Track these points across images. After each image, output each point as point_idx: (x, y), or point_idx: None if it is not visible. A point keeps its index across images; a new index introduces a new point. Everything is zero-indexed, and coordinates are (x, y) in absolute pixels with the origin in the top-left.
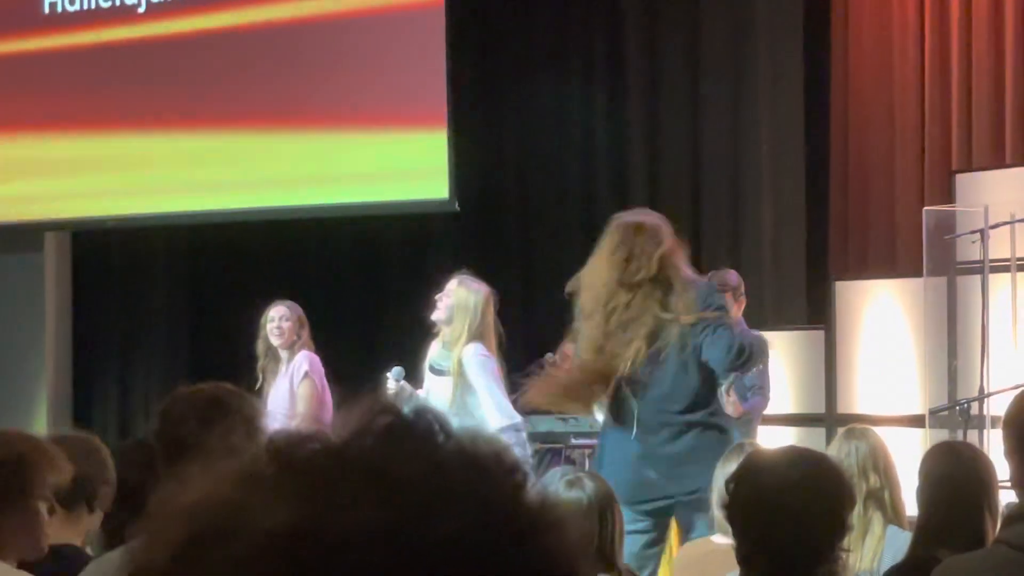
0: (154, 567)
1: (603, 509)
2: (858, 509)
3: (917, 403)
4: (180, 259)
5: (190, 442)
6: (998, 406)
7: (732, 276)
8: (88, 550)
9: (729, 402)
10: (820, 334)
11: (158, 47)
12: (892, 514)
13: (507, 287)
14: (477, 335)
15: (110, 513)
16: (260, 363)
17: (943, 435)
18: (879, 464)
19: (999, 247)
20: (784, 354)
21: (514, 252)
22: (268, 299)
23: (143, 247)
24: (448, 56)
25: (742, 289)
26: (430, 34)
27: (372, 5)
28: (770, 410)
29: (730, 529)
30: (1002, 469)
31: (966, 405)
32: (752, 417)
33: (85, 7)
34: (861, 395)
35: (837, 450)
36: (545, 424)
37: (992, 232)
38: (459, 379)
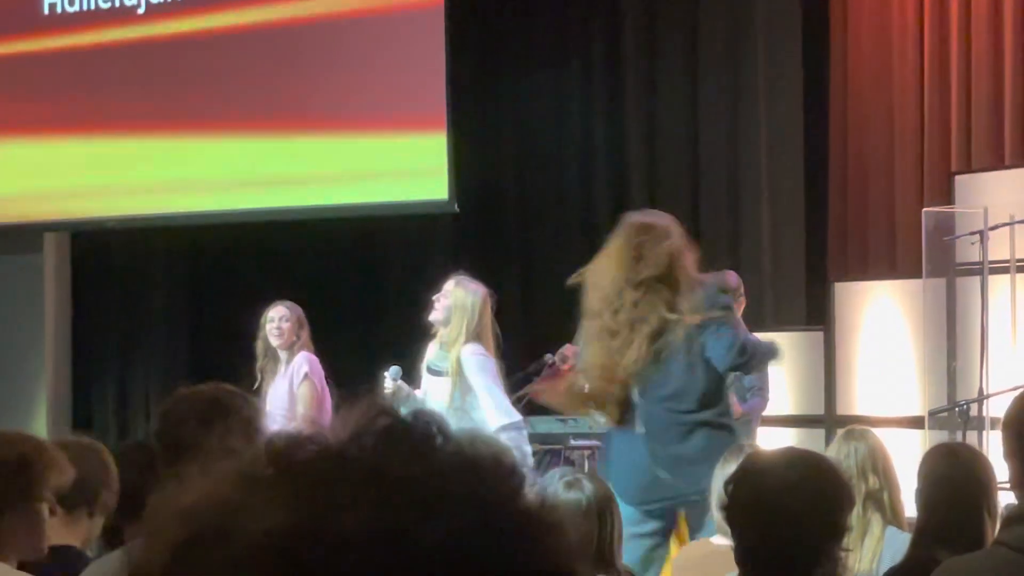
0: (154, 567)
1: (602, 510)
2: (857, 510)
3: (916, 404)
4: (179, 260)
5: (190, 443)
6: (997, 407)
7: (731, 277)
8: (88, 552)
9: None
10: (819, 335)
11: (157, 48)
12: (891, 515)
13: (506, 288)
14: (475, 335)
15: (110, 514)
16: (259, 363)
17: (942, 436)
18: (878, 465)
19: (998, 248)
20: (784, 356)
21: (513, 253)
22: (267, 300)
23: (142, 248)
24: (447, 57)
25: (741, 290)
26: (429, 35)
27: (372, 6)
28: (769, 411)
29: (729, 530)
30: (1001, 470)
31: (965, 406)
32: (751, 418)
33: (85, 8)
34: (860, 396)
35: (836, 451)
36: (544, 425)
37: (991, 233)
38: (457, 379)
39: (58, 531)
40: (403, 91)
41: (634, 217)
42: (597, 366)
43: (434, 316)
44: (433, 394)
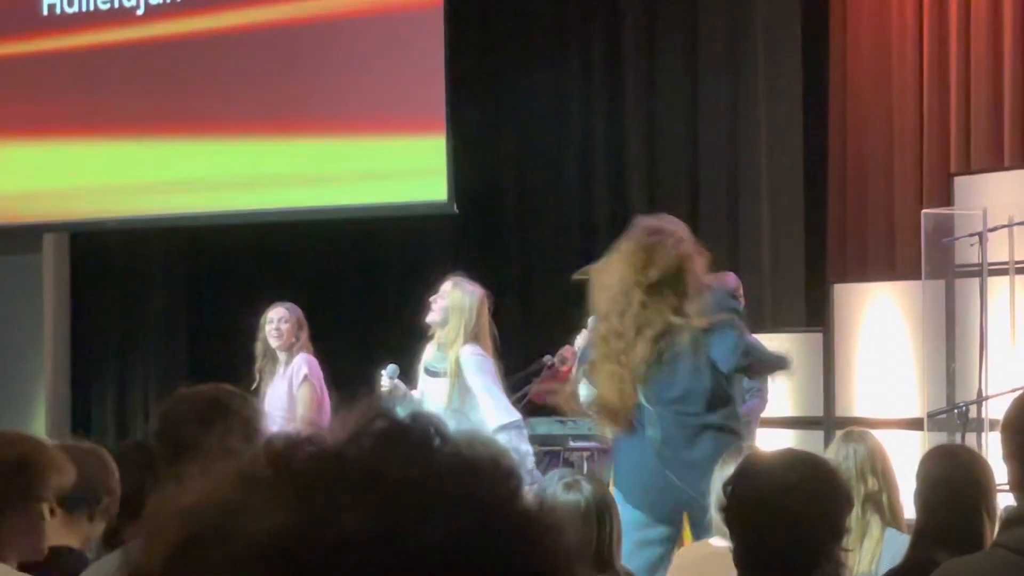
0: (152, 568)
1: (601, 512)
2: (856, 512)
3: (915, 406)
4: (178, 260)
5: (190, 443)
6: (996, 409)
7: (730, 279)
8: (87, 554)
9: None
10: (819, 337)
11: (156, 49)
12: (890, 517)
13: (505, 289)
14: (472, 336)
15: (111, 518)
16: (258, 364)
17: (941, 438)
18: (877, 467)
19: (997, 250)
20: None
21: (513, 254)
22: (266, 300)
23: (141, 248)
24: (446, 57)
25: (740, 292)
26: (428, 35)
27: (370, 7)
28: (768, 413)
29: (728, 532)
30: (1000, 472)
31: (964, 408)
32: (750, 419)
33: (84, 9)
34: (859, 398)
35: (835, 453)
36: (543, 426)
37: (991, 235)
38: (456, 380)
39: (58, 532)
40: (402, 92)
41: (645, 220)
42: (606, 378)
43: (431, 317)
44: (431, 395)
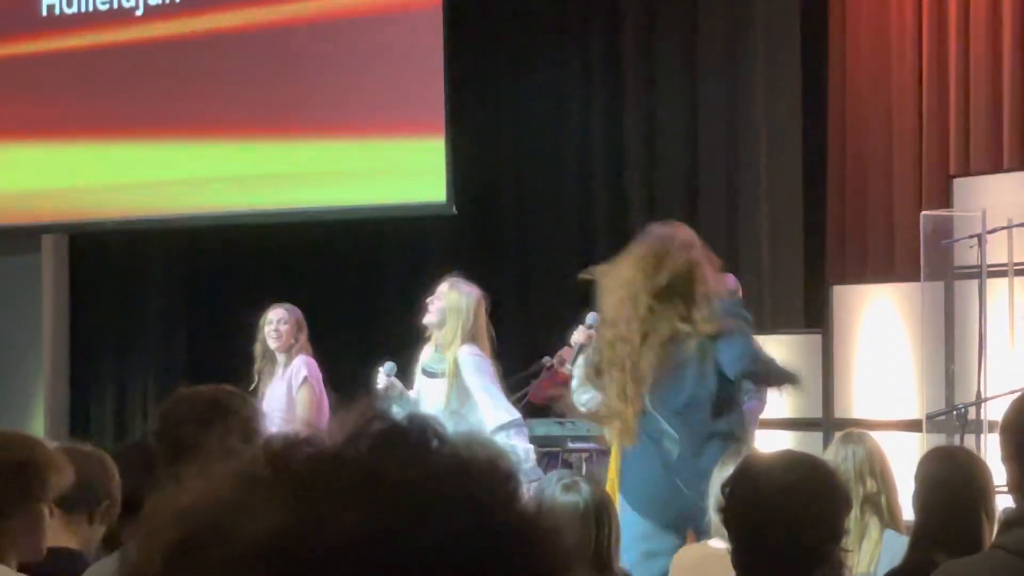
0: (150, 568)
1: (600, 513)
2: (855, 513)
3: (914, 408)
4: (177, 261)
5: (190, 443)
6: (995, 411)
7: (730, 280)
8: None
9: None
10: (817, 338)
11: (155, 49)
12: (889, 518)
13: (504, 289)
14: (470, 337)
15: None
16: (257, 365)
17: (940, 440)
18: (876, 468)
19: (997, 252)
20: (782, 359)
21: (511, 254)
22: (265, 301)
23: (140, 249)
24: (445, 58)
25: (739, 293)
26: (427, 36)
27: (369, 6)
28: (767, 414)
29: (727, 533)
30: (999, 474)
31: (963, 410)
32: (749, 421)
33: (83, 9)
34: (858, 399)
35: (834, 454)
36: (542, 427)
37: (990, 237)
38: (454, 380)
39: (57, 533)
40: (401, 92)
41: (656, 227)
42: (612, 385)
43: (429, 319)
44: (428, 396)
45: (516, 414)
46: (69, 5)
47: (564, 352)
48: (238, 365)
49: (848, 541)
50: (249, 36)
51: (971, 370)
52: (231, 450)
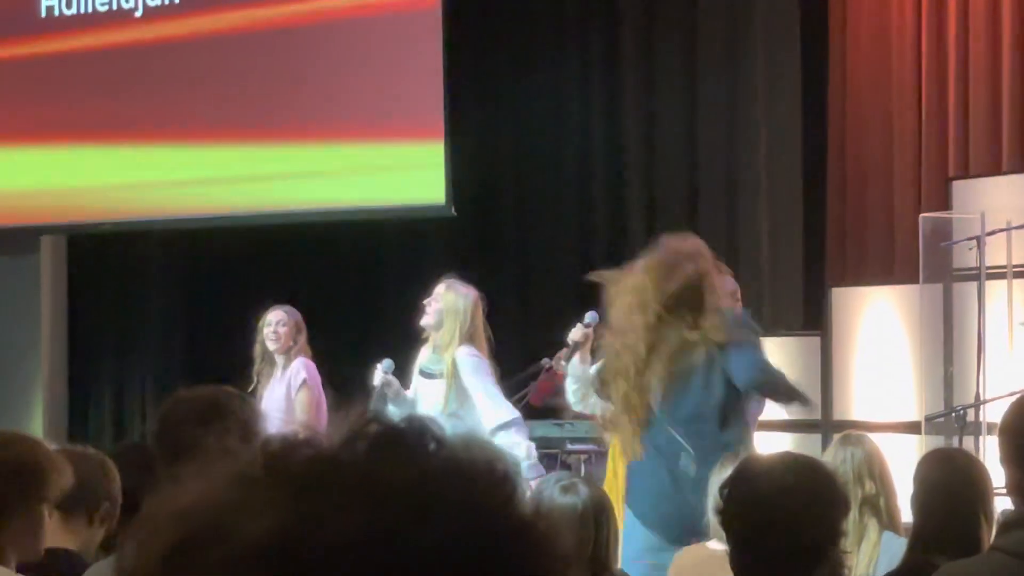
0: (147, 569)
1: (598, 515)
2: (854, 515)
3: (913, 410)
4: (176, 262)
5: (190, 444)
6: (994, 413)
7: (728, 282)
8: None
9: None
10: (816, 340)
11: (155, 51)
12: (888, 520)
13: (504, 290)
14: (468, 338)
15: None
16: (256, 366)
17: (939, 442)
18: (875, 470)
19: (995, 254)
20: (780, 360)
21: (511, 255)
22: (264, 302)
23: (139, 250)
24: (444, 58)
25: (738, 295)
26: (426, 36)
27: (367, 5)
28: (766, 416)
29: (725, 534)
30: (997, 476)
31: (962, 412)
32: (749, 425)
33: (82, 11)
34: (857, 401)
35: (833, 456)
36: (541, 429)
37: (988, 239)
38: (452, 381)
39: (56, 534)
40: (400, 93)
41: (666, 238)
42: (619, 395)
43: (426, 321)
44: (426, 397)
45: (516, 412)
46: (68, 6)
47: (563, 354)
48: (237, 366)
49: (847, 543)
50: (249, 37)
51: (970, 372)
52: (230, 451)
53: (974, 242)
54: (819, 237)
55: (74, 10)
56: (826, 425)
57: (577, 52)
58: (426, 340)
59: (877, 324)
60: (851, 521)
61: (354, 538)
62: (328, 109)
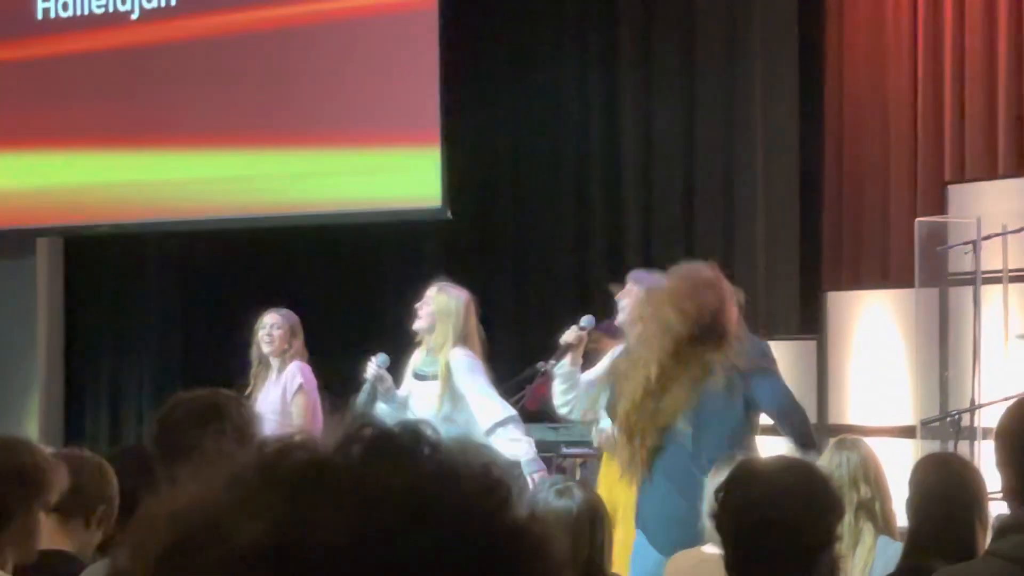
0: (140, 570)
1: (592, 519)
2: (849, 519)
3: (908, 414)
4: (173, 264)
5: (187, 446)
6: (990, 417)
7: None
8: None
9: None
10: (812, 344)
11: (151, 53)
12: (883, 524)
13: (501, 291)
14: (461, 339)
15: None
16: (253, 369)
17: (934, 446)
18: (870, 475)
19: (991, 258)
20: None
21: (508, 256)
22: (260, 306)
23: (136, 252)
24: (441, 59)
25: (737, 298)
26: (423, 38)
27: (366, 7)
28: (761, 420)
29: (720, 538)
30: (993, 480)
31: (957, 416)
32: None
33: (78, 13)
34: (853, 406)
35: (828, 460)
36: (536, 433)
37: (984, 243)
38: (446, 383)
39: (52, 537)
40: (397, 94)
41: (681, 266)
42: (623, 421)
43: (419, 324)
44: (419, 399)
45: (512, 411)
46: (64, 9)
47: (556, 355)
48: (234, 368)
49: (842, 547)
50: (245, 39)
51: (965, 376)
52: (226, 453)
53: (970, 246)
54: (815, 241)
55: (70, 12)
56: (822, 429)
57: (575, 53)
58: (419, 344)
59: (873, 328)
60: (846, 525)
61: (348, 541)
62: (324, 111)
